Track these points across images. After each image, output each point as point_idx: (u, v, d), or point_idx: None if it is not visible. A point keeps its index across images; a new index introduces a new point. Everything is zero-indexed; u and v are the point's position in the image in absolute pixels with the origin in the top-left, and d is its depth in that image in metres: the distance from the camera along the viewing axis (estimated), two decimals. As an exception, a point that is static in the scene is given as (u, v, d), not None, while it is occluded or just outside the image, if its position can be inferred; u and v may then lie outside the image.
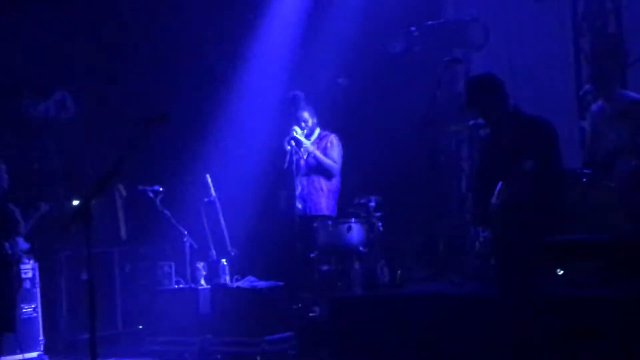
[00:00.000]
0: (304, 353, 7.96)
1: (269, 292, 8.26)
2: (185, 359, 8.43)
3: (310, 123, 8.81)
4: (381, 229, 8.25)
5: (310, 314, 8.14)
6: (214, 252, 8.95)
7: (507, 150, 5.96)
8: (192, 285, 8.72)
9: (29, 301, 8.77)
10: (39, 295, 8.86)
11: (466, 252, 8.00)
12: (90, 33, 10.68)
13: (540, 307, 5.70)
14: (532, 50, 9.44)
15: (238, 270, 8.75)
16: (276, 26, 10.09)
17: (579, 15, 9.06)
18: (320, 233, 8.31)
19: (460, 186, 9.63)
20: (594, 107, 7.90)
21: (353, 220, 8.20)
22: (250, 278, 8.58)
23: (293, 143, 8.58)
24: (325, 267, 8.27)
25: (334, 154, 8.78)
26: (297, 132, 8.65)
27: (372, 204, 8.26)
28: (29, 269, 8.79)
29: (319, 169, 8.78)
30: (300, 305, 8.25)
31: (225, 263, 8.64)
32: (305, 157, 8.78)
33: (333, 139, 8.82)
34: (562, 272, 6.72)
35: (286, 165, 8.55)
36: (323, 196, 8.78)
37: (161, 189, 9.00)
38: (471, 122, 8.02)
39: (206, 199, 9.04)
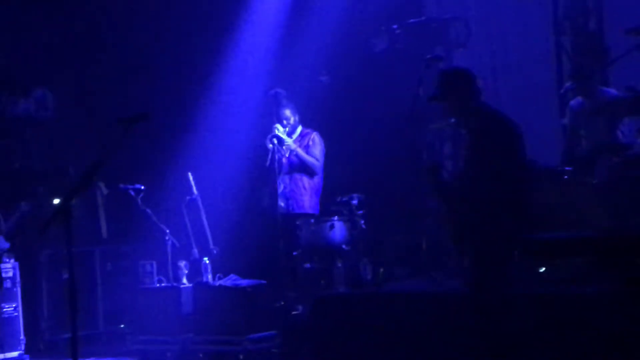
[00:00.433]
0: (287, 351, 7.97)
1: (252, 290, 8.24)
2: (168, 358, 8.43)
3: (292, 121, 8.80)
4: (364, 226, 8.26)
5: (293, 312, 8.14)
6: (196, 250, 8.92)
7: (470, 147, 5.91)
8: (174, 284, 8.69)
9: (10, 300, 8.75)
10: (19, 294, 8.83)
11: (448, 249, 7.92)
12: (68, 31, 10.66)
13: (513, 304, 5.71)
14: (514, 48, 9.50)
15: (220, 269, 8.72)
16: (258, 23, 10.07)
17: (560, 13, 9.10)
18: (303, 231, 8.32)
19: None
20: (573, 103, 7.96)
21: (336, 218, 8.23)
22: (233, 276, 8.56)
23: (275, 141, 8.55)
24: (308, 265, 8.28)
25: (316, 151, 8.79)
26: (279, 130, 8.63)
27: (355, 202, 8.28)
28: (9, 268, 8.76)
29: (301, 167, 8.78)
30: (283, 303, 8.24)
31: (207, 261, 8.61)
32: (287, 155, 8.77)
33: (315, 137, 8.83)
34: (543, 269, 6.81)
35: (268, 163, 8.51)
36: (306, 194, 8.78)
37: (142, 187, 8.95)
38: (453, 120, 8.04)
39: (188, 197, 9.01)
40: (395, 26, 9.36)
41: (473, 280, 5.70)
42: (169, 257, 8.87)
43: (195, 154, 9.88)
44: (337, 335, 6.98)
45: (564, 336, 5.97)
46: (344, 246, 8.15)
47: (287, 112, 8.80)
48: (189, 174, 9.07)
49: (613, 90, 7.87)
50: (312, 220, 8.37)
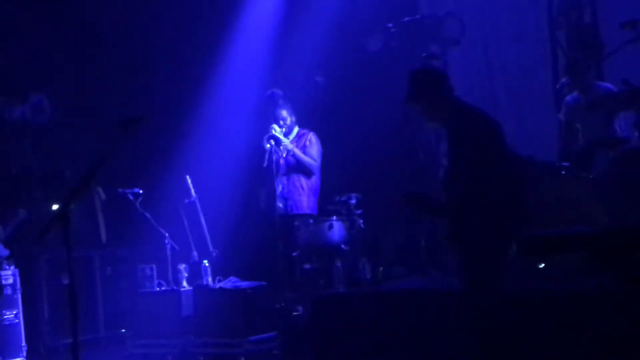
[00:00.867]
0: (288, 352, 7.98)
1: (252, 292, 8.26)
2: (168, 361, 8.48)
3: (288, 121, 8.83)
4: (362, 226, 8.28)
5: (294, 313, 8.15)
6: (195, 253, 8.94)
7: (452, 146, 5.83)
8: (174, 287, 8.72)
9: (10, 307, 8.72)
10: (20, 301, 8.80)
11: (446, 248, 7.69)
12: (65, 35, 10.65)
13: (510, 302, 5.69)
14: (509, 44, 9.51)
15: (220, 271, 8.73)
16: (253, 24, 10.10)
17: (554, 7, 9.08)
18: (302, 232, 8.33)
19: (437, 181, 9.48)
20: (568, 98, 7.98)
21: (334, 218, 8.24)
22: (233, 278, 8.57)
23: (272, 142, 8.57)
24: (307, 266, 8.28)
25: (313, 151, 8.81)
26: (276, 131, 8.65)
27: (353, 201, 8.30)
28: (9, 275, 8.75)
29: (298, 168, 8.80)
30: (283, 304, 8.25)
31: (207, 264, 8.62)
32: (284, 155, 8.78)
33: (312, 137, 8.85)
34: (542, 266, 6.82)
35: (266, 164, 8.54)
36: (304, 195, 8.80)
37: (141, 191, 8.99)
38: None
39: (186, 200, 9.03)
40: (390, 25, 9.36)
41: (467, 279, 5.69)
42: (169, 261, 8.90)
43: (192, 157, 9.90)
44: (337, 335, 6.97)
45: (562, 334, 5.98)
46: (342, 246, 8.16)
47: (284, 113, 8.82)
48: (187, 176, 9.08)
49: (609, 85, 7.89)
50: (311, 221, 8.37)
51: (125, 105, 9.71)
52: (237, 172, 9.70)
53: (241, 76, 10.05)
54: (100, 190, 10.40)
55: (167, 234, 8.94)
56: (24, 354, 8.76)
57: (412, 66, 8.05)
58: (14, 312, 8.75)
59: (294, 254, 8.40)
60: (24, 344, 8.79)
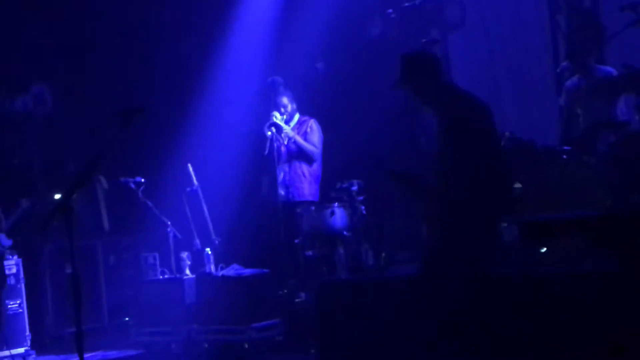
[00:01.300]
0: (291, 339, 8.02)
1: (255, 279, 8.26)
2: (173, 349, 8.46)
3: (289, 108, 8.85)
4: (364, 212, 8.27)
5: (297, 300, 8.19)
6: (198, 241, 8.94)
7: (443, 128, 5.82)
8: (177, 275, 8.72)
9: (14, 297, 8.74)
10: (23, 290, 8.81)
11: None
12: (65, 26, 10.65)
13: (505, 285, 5.76)
14: (509, 28, 9.44)
15: (223, 259, 8.73)
16: (253, 12, 10.04)
17: (554, -9, 9.08)
18: (304, 218, 8.35)
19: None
20: (568, 83, 7.94)
21: (336, 204, 8.24)
22: (235, 266, 8.56)
23: (273, 129, 8.60)
24: (309, 253, 8.28)
25: (314, 138, 8.82)
26: (277, 118, 8.66)
27: (355, 187, 8.27)
28: (12, 265, 8.75)
29: (300, 155, 8.82)
30: (286, 291, 8.29)
31: (209, 252, 8.62)
32: (285, 142, 8.81)
33: (313, 124, 8.86)
34: (544, 250, 6.80)
35: (267, 151, 8.57)
36: (305, 182, 8.82)
37: (143, 179, 9.00)
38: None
39: (188, 189, 9.01)
40: (390, 10, 9.35)
41: (438, 260, 5.66)
42: (171, 249, 8.91)
43: (194, 145, 9.90)
44: (340, 321, 6.94)
45: (558, 317, 5.94)
46: (345, 232, 8.16)
47: (285, 100, 8.83)
48: (189, 165, 9.06)
49: (610, 68, 7.85)
50: (313, 208, 8.38)
51: (127, 95, 9.73)
52: (239, 160, 9.71)
53: (242, 64, 10.02)
54: (102, 179, 10.41)
55: (169, 222, 8.95)
56: (28, 343, 8.79)
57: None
58: (18, 302, 8.77)
59: (296, 241, 8.41)
60: (28, 333, 8.81)
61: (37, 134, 10.57)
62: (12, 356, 8.44)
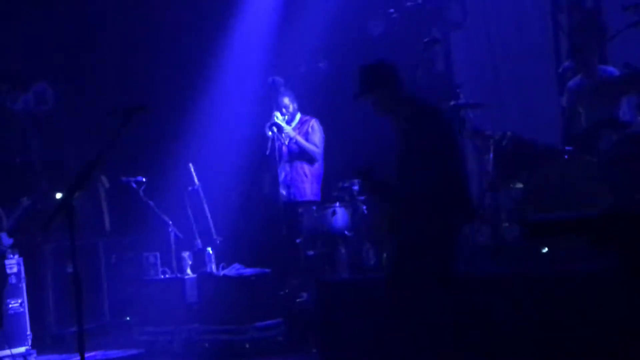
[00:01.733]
0: (292, 338, 8.02)
1: (256, 279, 8.26)
2: (174, 348, 8.45)
3: (290, 108, 8.86)
4: (366, 212, 8.25)
5: (298, 300, 8.19)
6: (199, 241, 8.92)
7: (404, 139, 5.83)
8: (179, 275, 8.71)
9: (15, 296, 8.70)
10: (25, 290, 8.78)
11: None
12: (68, 24, 10.64)
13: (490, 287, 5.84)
14: (511, 28, 9.47)
15: (224, 258, 8.72)
16: (255, 11, 10.04)
17: (556, -10, 9.07)
18: (305, 218, 8.37)
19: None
20: (571, 83, 7.95)
21: (337, 204, 8.25)
22: (237, 266, 8.56)
23: (275, 129, 8.63)
24: (311, 252, 8.30)
25: (315, 138, 8.83)
26: (278, 118, 8.68)
27: (356, 187, 8.28)
28: (13, 264, 8.72)
29: (301, 155, 8.83)
30: (287, 291, 8.30)
31: (210, 251, 8.61)
32: (287, 142, 8.81)
33: (314, 124, 8.86)
34: (546, 250, 6.81)
35: (268, 151, 8.63)
36: (307, 182, 8.82)
37: (144, 179, 8.97)
38: (452, 103, 7.98)
39: (190, 188, 9.01)
40: (391, 10, 9.35)
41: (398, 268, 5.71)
42: (173, 248, 8.88)
43: (195, 144, 9.88)
44: (342, 321, 6.95)
45: (557, 317, 5.98)
46: (346, 232, 8.17)
47: (286, 100, 8.84)
48: (190, 164, 9.06)
49: (612, 68, 7.85)
50: (314, 207, 8.39)
51: (128, 93, 9.74)
52: (240, 159, 9.71)
53: (243, 63, 10.02)
54: (103, 178, 10.42)
55: (170, 222, 8.93)
56: (29, 342, 8.76)
57: (414, 51, 8.14)
58: (19, 301, 8.73)
59: (297, 240, 8.43)
60: (29, 332, 8.78)
61: (38, 132, 10.61)
62: (13, 355, 8.42)
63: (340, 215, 8.22)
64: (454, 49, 9.14)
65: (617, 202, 6.78)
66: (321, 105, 9.27)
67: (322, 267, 8.15)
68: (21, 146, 10.54)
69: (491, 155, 7.75)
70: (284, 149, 8.83)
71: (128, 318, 9.53)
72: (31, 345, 8.78)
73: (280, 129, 8.67)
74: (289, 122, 8.82)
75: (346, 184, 8.34)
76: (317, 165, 8.87)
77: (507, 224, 7.62)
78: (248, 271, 8.43)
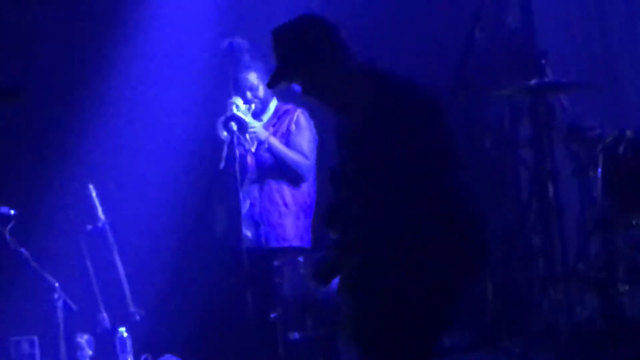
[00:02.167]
0: None
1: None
2: None
3: (260, 91, 8.83)
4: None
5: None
6: (105, 315, 8.96)
7: (345, 135, 5.75)
8: (70, 377, 8.70)
9: None
10: None
11: (532, 300, 8.43)
12: None
13: None
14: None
15: (148, 346, 8.81)
16: None
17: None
18: (285, 277, 8.28)
19: (519, 188, 9.79)
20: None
21: (338, 253, 8.12)
22: (169, 358, 8.58)
23: (234, 126, 8.55)
24: (295, 335, 8.20)
25: (302, 141, 8.82)
26: (240, 108, 8.64)
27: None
28: None
29: (278, 169, 8.80)
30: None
31: (125, 334, 8.64)
32: (254, 149, 8.84)
33: (300, 117, 8.86)
34: None
35: (223, 164, 8.59)
36: (287, 214, 8.83)
37: (12, 211, 8.75)
38: (533, 82, 8.14)
39: (90, 227, 9.11)
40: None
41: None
42: (61, 329, 8.68)
43: (101, 156, 10.00)
44: None
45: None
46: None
47: (252, 77, 8.80)
48: (91, 187, 9.17)
49: None
50: (301, 259, 8.30)
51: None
52: (176, 179, 9.86)
53: (180, 18, 10.12)
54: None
55: (57, 284, 8.68)
56: None
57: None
58: None
59: (272, 315, 8.28)
60: None
61: None
62: None
63: (344, 273, 8.05)
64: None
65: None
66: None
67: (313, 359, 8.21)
68: None
69: (599, 170, 8.03)
70: (250, 159, 8.86)
71: None
72: None
73: (243, 126, 8.60)
74: (257, 115, 8.82)
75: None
76: (306, 187, 8.87)
77: (626, 287, 7.95)
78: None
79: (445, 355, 7.79)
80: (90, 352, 8.77)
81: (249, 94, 8.73)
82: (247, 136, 8.69)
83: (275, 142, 8.71)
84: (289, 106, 8.90)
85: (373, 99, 5.62)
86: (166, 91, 10.05)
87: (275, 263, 8.33)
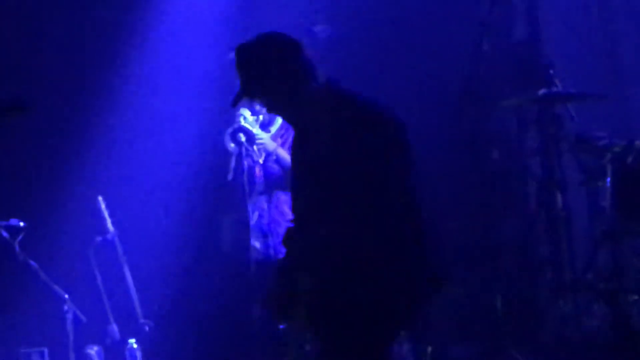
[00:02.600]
0: None
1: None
2: None
3: (268, 102, 8.74)
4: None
5: None
6: (114, 326, 9.03)
7: (302, 151, 5.81)
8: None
9: None
10: None
11: (540, 311, 8.49)
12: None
13: None
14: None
15: (157, 357, 8.93)
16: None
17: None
18: (296, 290, 8.17)
19: (527, 198, 9.76)
20: None
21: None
22: (178, 369, 8.27)
23: (242, 138, 8.57)
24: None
25: (310, 152, 8.70)
26: (247, 120, 8.69)
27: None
28: None
29: (286, 181, 8.47)
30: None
31: (135, 346, 8.73)
32: (262, 161, 8.82)
33: (308, 128, 8.75)
34: None
35: (231, 176, 8.63)
36: (297, 226, 8.70)
37: (22, 223, 8.82)
38: (542, 92, 8.15)
39: (99, 238, 9.15)
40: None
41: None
42: (71, 340, 8.78)
43: (109, 168, 10.01)
44: None
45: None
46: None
47: None
48: (100, 198, 9.24)
49: None
50: None
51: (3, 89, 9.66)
52: (184, 191, 9.89)
53: (187, 34, 10.18)
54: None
55: (66, 296, 8.78)
56: None
57: (476, 9, 8.15)
58: None
59: (281, 326, 7.94)
60: None
61: None
62: None
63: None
64: (542, 3, 9.36)
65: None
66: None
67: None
68: None
69: (608, 180, 8.04)
70: (258, 171, 8.84)
71: None
72: None
73: (250, 137, 8.63)
74: (265, 126, 8.86)
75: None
76: (315, 198, 8.72)
77: (635, 297, 7.99)
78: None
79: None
80: (99, 364, 8.56)
81: (256, 106, 8.69)
82: (255, 147, 8.69)
83: (283, 154, 8.70)
84: (297, 117, 9.00)
85: (333, 119, 5.67)
86: (175, 103, 10.12)
87: (286, 276, 8.46)
